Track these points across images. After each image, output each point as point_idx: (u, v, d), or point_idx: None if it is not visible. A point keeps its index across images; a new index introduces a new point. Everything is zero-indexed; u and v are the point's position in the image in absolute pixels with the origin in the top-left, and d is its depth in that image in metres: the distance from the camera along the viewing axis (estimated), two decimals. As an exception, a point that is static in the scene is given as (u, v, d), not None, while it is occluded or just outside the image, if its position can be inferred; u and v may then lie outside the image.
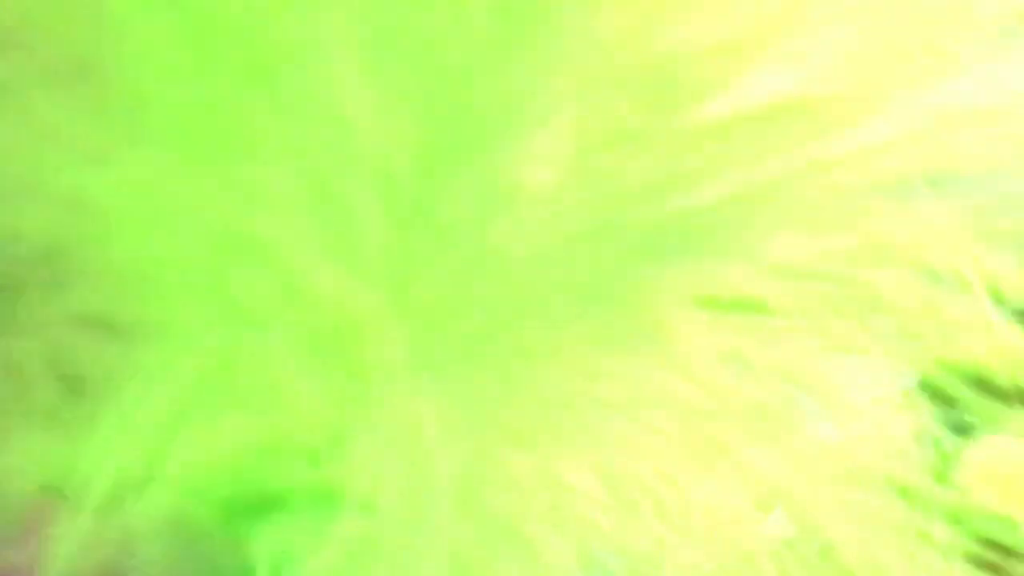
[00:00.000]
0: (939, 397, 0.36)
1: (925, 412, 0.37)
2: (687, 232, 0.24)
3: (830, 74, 0.25)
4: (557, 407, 0.25)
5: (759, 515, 0.40)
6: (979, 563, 0.35)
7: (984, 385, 0.35)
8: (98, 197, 0.22)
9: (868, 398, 0.39)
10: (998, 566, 0.35)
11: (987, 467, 0.41)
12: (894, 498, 0.35)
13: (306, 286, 0.23)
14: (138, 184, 0.22)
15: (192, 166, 0.22)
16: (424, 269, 0.23)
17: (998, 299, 0.33)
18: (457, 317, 0.23)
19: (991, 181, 0.29)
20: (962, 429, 0.37)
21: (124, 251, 0.23)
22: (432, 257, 0.23)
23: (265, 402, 0.24)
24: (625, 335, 0.25)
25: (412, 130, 0.22)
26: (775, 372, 0.32)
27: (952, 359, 0.34)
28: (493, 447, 0.24)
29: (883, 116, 0.26)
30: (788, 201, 0.26)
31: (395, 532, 0.25)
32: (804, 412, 0.36)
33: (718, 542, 0.32)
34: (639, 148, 0.23)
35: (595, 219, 0.23)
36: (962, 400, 0.34)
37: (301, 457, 0.25)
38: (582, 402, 0.25)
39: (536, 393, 0.24)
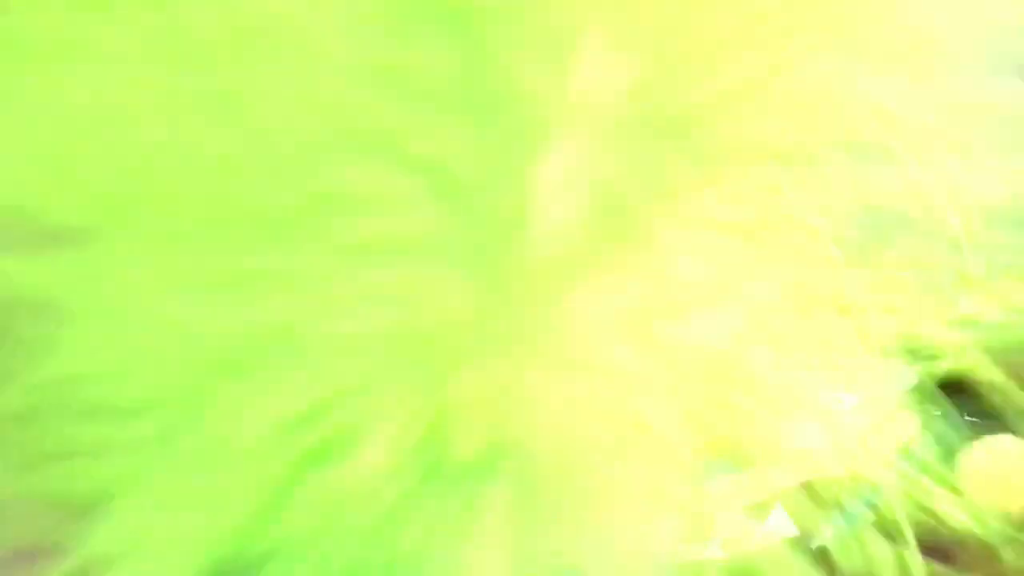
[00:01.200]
0: (940, 396, 0.36)
1: (926, 411, 0.37)
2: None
3: None
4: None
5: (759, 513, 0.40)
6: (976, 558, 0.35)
7: (985, 384, 0.35)
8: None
9: (869, 397, 0.39)
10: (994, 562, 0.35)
11: (987, 467, 0.41)
12: (894, 497, 0.35)
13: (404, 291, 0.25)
14: None
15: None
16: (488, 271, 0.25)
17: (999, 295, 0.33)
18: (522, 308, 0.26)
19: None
20: (962, 429, 0.37)
21: None
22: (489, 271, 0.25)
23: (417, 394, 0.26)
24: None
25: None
26: (776, 370, 0.32)
27: (953, 357, 0.34)
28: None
29: None
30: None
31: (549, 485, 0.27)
32: (804, 411, 0.36)
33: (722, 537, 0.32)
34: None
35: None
36: (963, 399, 0.34)
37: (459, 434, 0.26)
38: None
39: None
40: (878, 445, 0.39)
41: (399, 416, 0.26)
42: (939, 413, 0.38)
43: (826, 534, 0.35)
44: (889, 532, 0.34)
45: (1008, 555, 0.36)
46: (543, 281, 0.26)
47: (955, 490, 0.38)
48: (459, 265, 0.25)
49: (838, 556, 0.34)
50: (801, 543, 0.35)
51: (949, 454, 0.38)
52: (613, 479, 0.28)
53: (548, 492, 0.27)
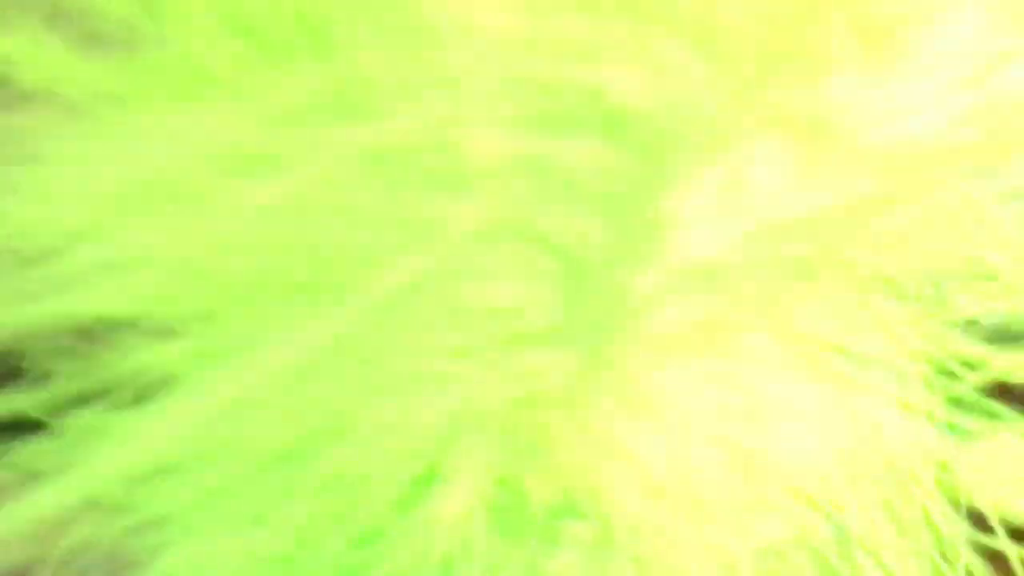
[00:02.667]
0: (943, 396, 0.36)
1: (928, 411, 0.37)
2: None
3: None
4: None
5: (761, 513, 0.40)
6: (981, 557, 0.35)
7: (987, 385, 0.35)
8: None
9: (870, 397, 0.39)
10: (999, 560, 0.36)
11: (988, 467, 0.41)
12: (897, 497, 0.35)
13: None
14: None
15: None
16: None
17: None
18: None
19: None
20: (964, 429, 0.37)
21: None
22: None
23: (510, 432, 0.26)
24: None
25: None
26: (778, 370, 0.33)
27: (956, 357, 0.34)
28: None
29: None
30: None
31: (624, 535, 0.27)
32: (805, 410, 0.36)
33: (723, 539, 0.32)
34: None
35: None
36: (965, 400, 0.34)
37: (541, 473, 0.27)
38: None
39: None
40: (878, 446, 0.39)
41: (485, 460, 0.26)
42: (939, 414, 0.38)
43: (826, 534, 0.35)
44: (888, 531, 0.35)
45: (1008, 555, 0.36)
46: (640, 349, 0.26)
47: (955, 490, 0.38)
48: (565, 329, 0.25)
49: (837, 556, 0.34)
50: (801, 543, 0.36)
51: (949, 454, 0.39)
52: (683, 532, 0.28)
53: (622, 542, 0.27)
